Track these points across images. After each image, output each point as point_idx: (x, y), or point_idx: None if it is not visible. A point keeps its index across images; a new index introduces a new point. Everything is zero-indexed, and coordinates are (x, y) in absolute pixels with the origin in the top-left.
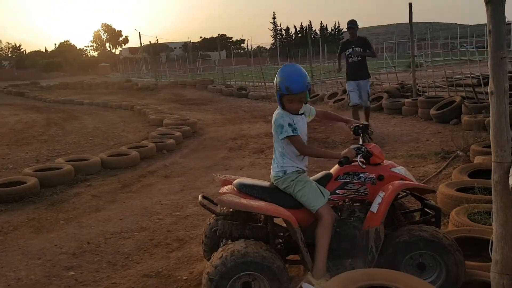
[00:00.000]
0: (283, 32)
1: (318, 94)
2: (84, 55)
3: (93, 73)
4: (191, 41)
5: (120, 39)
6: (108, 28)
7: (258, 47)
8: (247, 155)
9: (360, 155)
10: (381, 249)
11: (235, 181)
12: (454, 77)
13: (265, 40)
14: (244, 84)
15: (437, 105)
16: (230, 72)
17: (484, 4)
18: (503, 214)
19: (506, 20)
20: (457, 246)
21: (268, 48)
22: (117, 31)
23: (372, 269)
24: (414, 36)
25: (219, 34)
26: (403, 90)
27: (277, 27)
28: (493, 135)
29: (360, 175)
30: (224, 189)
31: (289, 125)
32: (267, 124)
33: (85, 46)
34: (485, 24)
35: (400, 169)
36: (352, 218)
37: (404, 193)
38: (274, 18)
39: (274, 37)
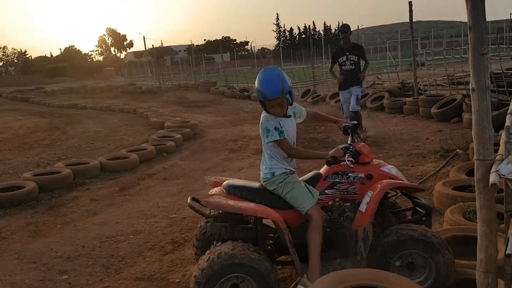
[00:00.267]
0: (287, 33)
1: (320, 95)
2: (89, 60)
3: (98, 78)
4: (195, 44)
5: (125, 43)
6: (112, 33)
7: (262, 48)
8: (247, 156)
9: (348, 154)
10: (370, 248)
11: (224, 183)
12: (455, 75)
13: (269, 41)
14: (246, 85)
15: (438, 104)
16: (233, 74)
17: (487, 2)
18: (486, 212)
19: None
20: (446, 244)
21: (272, 49)
22: (122, 35)
23: (359, 269)
24: (418, 35)
25: (223, 36)
26: (405, 89)
27: (280, 28)
28: (475, 133)
29: (349, 174)
30: (214, 190)
31: (275, 128)
32: None
33: (90, 51)
34: (489, 22)
35: (389, 168)
36: (342, 218)
37: (394, 192)
38: (278, 19)
39: (278, 38)
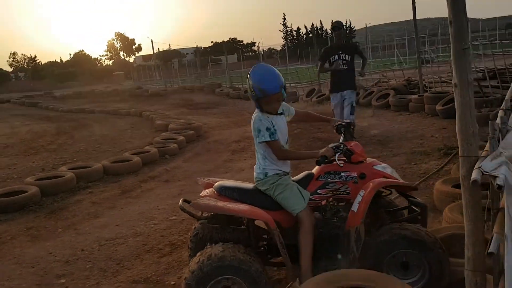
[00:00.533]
0: (294, 33)
1: (325, 94)
2: (98, 64)
3: (107, 82)
4: (203, 46)
5: (134, 47)
6: (121, 37)
7: (269, 49)
8: (249, 157)
9: (338, 153)
10: (364, 248)
11: (216, 184)
12: None
13: (277, 41)
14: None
15: (443, 101)
16: (238, 75)
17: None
18: (472, 209)
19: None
20: (440, 243)
21: (279, 49)
22: (131, 39)
23: (350, 269)
24: (426, 32)
25: (229, 38)
26: (410, 87)
27: (287, 28)
28: (458, 129)
29: (341, 174)
30: (205, 192)
31: (267, 129)
32: None
33: (100, 56)
34: (497, 18)
35: (383, 167)
36: (335, 218)
37: (388, 191)
38: (284, 19)
39: (285, 38)
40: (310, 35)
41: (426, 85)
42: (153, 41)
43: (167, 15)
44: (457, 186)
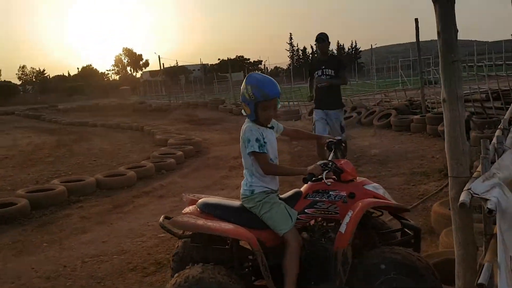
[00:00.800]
0: (300, 52)
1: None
2: (105, 79)
3: (114, 96)
4: (210, 64)
5: (141, 62)
6: (129, 52)
7: (276, 67)
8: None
9: (327, 171)
10: (352, 271)
11: (199, 201)
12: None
13: (283, 60)
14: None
15: None
16: None
17: (501, 21)
18: (461, 234)
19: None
20: (433, 270)
21: (285, 68)
22: (138, 55)
23: None
24: (431, 53)
25: (236, 55)
26: (412, 107)
27: (294, 48)
28: (447, 147)
29: (330, 193)
30: (187, 209)
31: (257, 140)
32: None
33: (107, 70)
34: (503, 41)
35: (374, 186)
36: (323, 239)
37: (380, 212)
38: (291, 38)
39: (291, 57)
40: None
41: (429, 106)
42: (160, 57)
43: (175, 32)
44: None
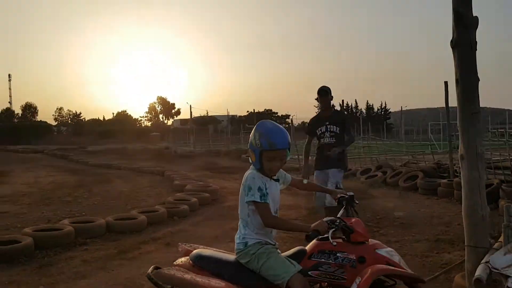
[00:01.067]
0: None
1: (350, 169)
2: (138, 125)
3: (144, 142)
4: (238, 115)
5: (173, 111)
6: (162, 101)
7: (303, 122)
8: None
9: (333, 229)
10: None
11: (193, 252)
12: (493, 159)
13: (311, 116)
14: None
15: None
16: None
17: None
18: None
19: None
20: None
21: None
22: (171, 103)
23: None
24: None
25: (265, 109)
26: (440, 171)
27: None
28: (464, 212)
29: (338, 254)
30: (180, 260)
31: (259, 189)
32: (291, 195)
33: (140, 117)
34: None
35: (387, 251)
36: None
37: (393, 281)
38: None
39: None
40: (345, 113)
41: (457, 171)
42: (191, 106)
43: (208, 83)
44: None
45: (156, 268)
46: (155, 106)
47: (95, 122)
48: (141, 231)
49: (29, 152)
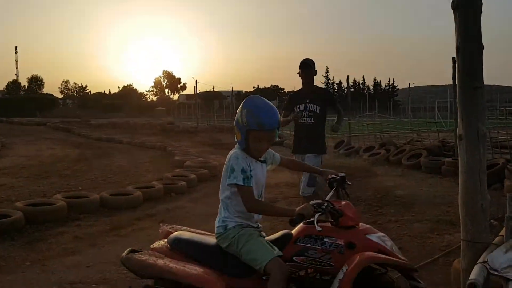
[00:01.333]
0: (335, 86)
1: (354, 147)
2: (143, 99)
3: (149, 116)
4: (244, 91)
5: (179, 85)
6: (168, 75)
7: None
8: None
9: (319, 213)
10: None
11: (171, 235)
12: (499, 137)
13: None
14: (281, 132)
15: None
16: None
17: None
18: None
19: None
20: None
21: None
22: (177, 78)
23: None
24: None
25: (271, 84)
26: (445, 149)
27: (329, 81)
28: (461, 200)
29: (325, 240)
30: (157, 244)
31: (243, 171)
32: (292, 173)
33: (146, 91)
34: None
35: (379, 237)
36: None
37: (384, 269)
38: (327, 72)
39: None
40: (352, 90)
41: None
42: (197, 81)
43: (214, 58)
44: None
45: (133, 251)
46: (160, 80)
47: (100, 95)
48: (137, 207)
49: (32, 125)
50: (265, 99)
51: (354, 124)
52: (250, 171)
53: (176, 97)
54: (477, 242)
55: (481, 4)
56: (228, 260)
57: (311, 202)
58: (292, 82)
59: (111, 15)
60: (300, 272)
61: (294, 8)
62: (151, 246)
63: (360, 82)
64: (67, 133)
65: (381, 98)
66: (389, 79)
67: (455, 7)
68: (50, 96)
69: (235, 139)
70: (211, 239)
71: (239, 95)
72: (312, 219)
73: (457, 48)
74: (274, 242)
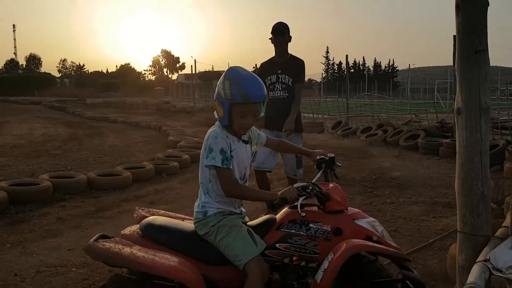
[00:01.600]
0: (335, 66)
1: (351, 128)
2: (141, 78)
3: (147, 96)
4: None
5: (178, 65)
6: (167, 54)
7: (309, 79)
8: (251, 185)
9: (304, 197)
10: None
11: (143, 221)
12: (500, 118)
13: (317, 72)
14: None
15: None
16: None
17: None
18: None
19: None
20: None
21: (319, 81)
22: (175, 57)
23: None
24: None
25: None
26: (443, 130)
27: (329, 62)
28: (458, 185)
29: (310, 225)
30: (128, 230)
31: (222, 151)
32: None
33: (144, 70)
34: None
35: (368, 222)
36: (297, 285)
37: (373, 257)
38: (327, 52)
39: (326, 71)
40: (352, 70)
41: None
42: (196, 60)
43: (214, 38)
44: None
45: (103, 237)
46: (159, 59)
47: (98, 74)
48: (125, 188)
49: (27, 104)
50: (248, 71)
51: (352, 104)
52: (231, 151)
53: (175, 76)
54: (477, 235)
55: None
56: (204, 247)
57: (295, 185)
58: None
59: None
60: (284, 260)
61: None
62: (122, 232)
63: (360, 62)
64: (61, 112)
65: (381, 79)
66: (389, 60)
67: None
68: (48, 75)
69: (216, 116)
70: (187, 225)
71: None
72: (295, 203)
73: (457, 6)
74: (257, 227)
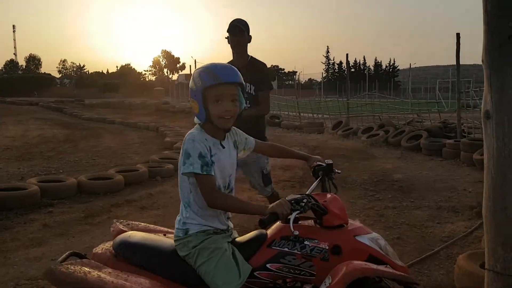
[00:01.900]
0: (336, 66)
1: (352, 128)
2: (142, 79)
3: (147, 96)
4: None
5: (178, 65)
6: (167, 55)
7: (310, 79)
8: (247, 189)
9: (297, 212)
10: None
11: (117, 238)
12: None
13: (317, 72)
14: (278, 113)
15: (482, 149)
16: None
17: None
18: None
19: None
20: None
21: (319, 81)
22: (176, 57)
23: None
24: (472, 77)
25: (271, 65)
26: (446, 130)
27: (329, 61)
28: (487, 210)
29: (306, 243)
30: (100, 248)
31: (200, 156)
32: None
33: (144, 70)
34: None
35: (371, 238)
36: None
37: (377, 279)
38: (328, 52)
39: (326, 70)
40: (352, 70)
41: (465, 130)
42: (196, 61)
43: (214, 38)
44: None
45: (75, 254)
46: (159, 60)
47: (98, 75)
48: (116, 192)
49: (25, 104)
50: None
51: (353, 104)
52: (211, 156)
53: (175, 77)
54: (508, 275)
55: None
56: (184, 267)
57: (288, 197)
58: (293, 63)
59: None
60: (277, 281)
61: None
62: (93, 250)
63: (361, 62)
64: (59, 113)
65: (382, 78)
66: (390, 60)
67: None
68: (47, 76)
69: (196, 120)
70: (167, 242)
71: None
72: (288, 218)
73: None
74: (245, 245)
